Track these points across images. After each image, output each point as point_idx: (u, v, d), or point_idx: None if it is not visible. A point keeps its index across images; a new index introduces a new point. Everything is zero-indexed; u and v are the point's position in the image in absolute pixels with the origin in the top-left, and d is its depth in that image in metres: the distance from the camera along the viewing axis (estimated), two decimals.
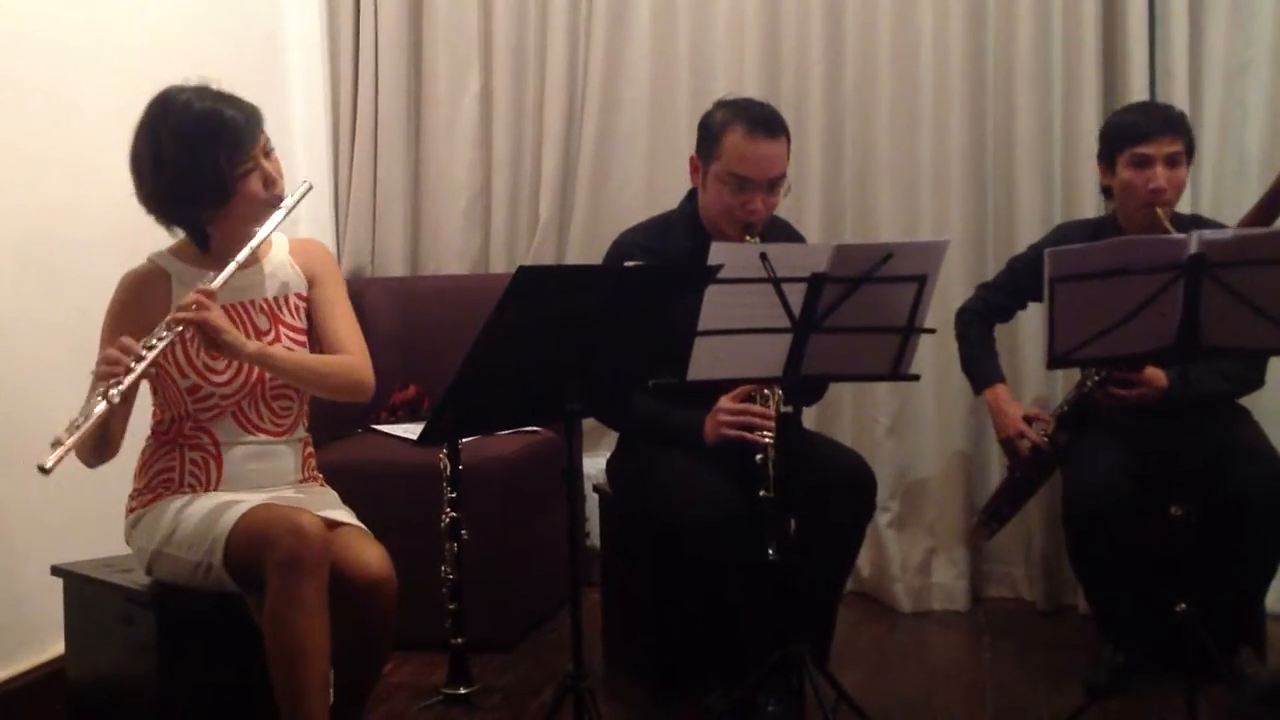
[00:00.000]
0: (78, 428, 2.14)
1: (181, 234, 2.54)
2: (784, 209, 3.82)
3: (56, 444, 2.12)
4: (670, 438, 2.86)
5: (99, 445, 2.34)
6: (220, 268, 2.38)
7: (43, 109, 3.02)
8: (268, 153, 2.47)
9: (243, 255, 2.39)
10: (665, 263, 2.88)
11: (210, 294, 2.32)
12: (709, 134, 2.91)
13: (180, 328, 2.28)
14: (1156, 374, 2.97)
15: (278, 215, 2.46)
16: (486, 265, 4.22)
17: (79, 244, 3.08)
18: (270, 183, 2.47)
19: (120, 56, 3.26)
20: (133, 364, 2.21)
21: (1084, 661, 3.19)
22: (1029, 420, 3.24)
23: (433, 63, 4.21)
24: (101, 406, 2.16)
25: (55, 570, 2.69)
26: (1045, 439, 3.21)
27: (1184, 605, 2.55)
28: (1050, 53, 3.74)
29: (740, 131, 2.84)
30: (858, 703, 2.65)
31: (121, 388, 2.18)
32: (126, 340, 2.26)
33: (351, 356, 2.55)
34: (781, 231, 3.08)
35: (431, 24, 4.19)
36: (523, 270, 2.13)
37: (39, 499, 2.95)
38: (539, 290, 2.16)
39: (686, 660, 2.94)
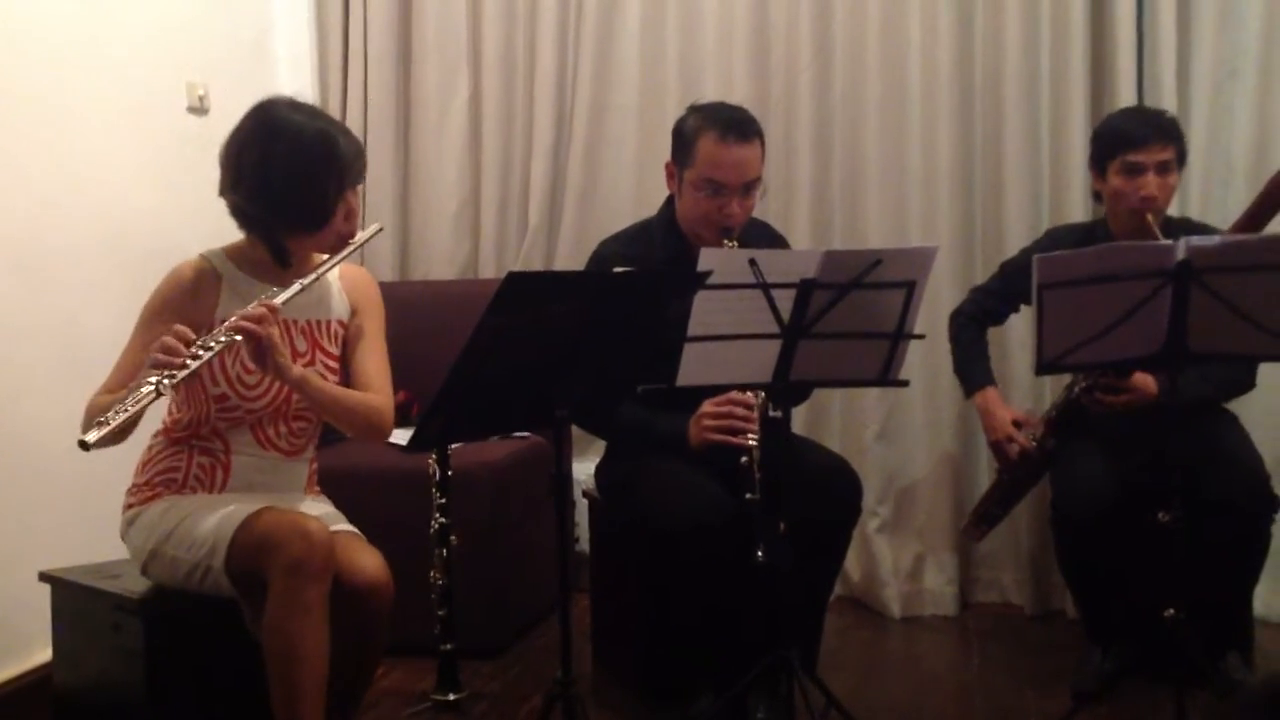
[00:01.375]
0: (125, 410, 2.11)
1: (202, 234, 2.53)
2: (773, 214, 3.86)
3: (101, 424, 2.11)
4: (655, 444, 2.86)
5: (123, 431, 2.26)
6: (277, 283, 2.38)
7: (32, 114, 3.02)
8: (355, 189, 2.49)
9: (309, 280, 2.39)
10: (655, 268, 2.88)
11: (275, 310, 2.31)
12: (682, 140, 2.91)
13: (239, 336, 2.26)
14: (1146, 380, 2.98)
15: (348, 249, 2.48)
16: (475, 270, 4.22)
17: (68, 248, 3.08)
18: (350, 216, 2.48)
19: (110, 62, 3.26)
20: (189, 360, 2.19)
21: (1072, 666, 3.19)
22: (1018, 424, 3.25)
23: (422, 69, 4.21)
24: (151, 395, 2.13)
25: (43, 576, 2.67)
26: (1034, 443, 3.22)
27: (1172, 610, 2.56)
28: (1038, 60, 3.76)
29: (713, 137, 2.84)
30: (847, 708, 2.66)
31: (175, 380, 2.16)
32: (184, 329, 2.23)
33: (380, 399, 2.54)
34: (761, 234, 3.08)
35: (420, 30, 4.20)
36: (512, 275, 2.12)
37: (27, 505, 2.95)
38: (528, 295, 2.16)
39: (676, 666, 2.94)
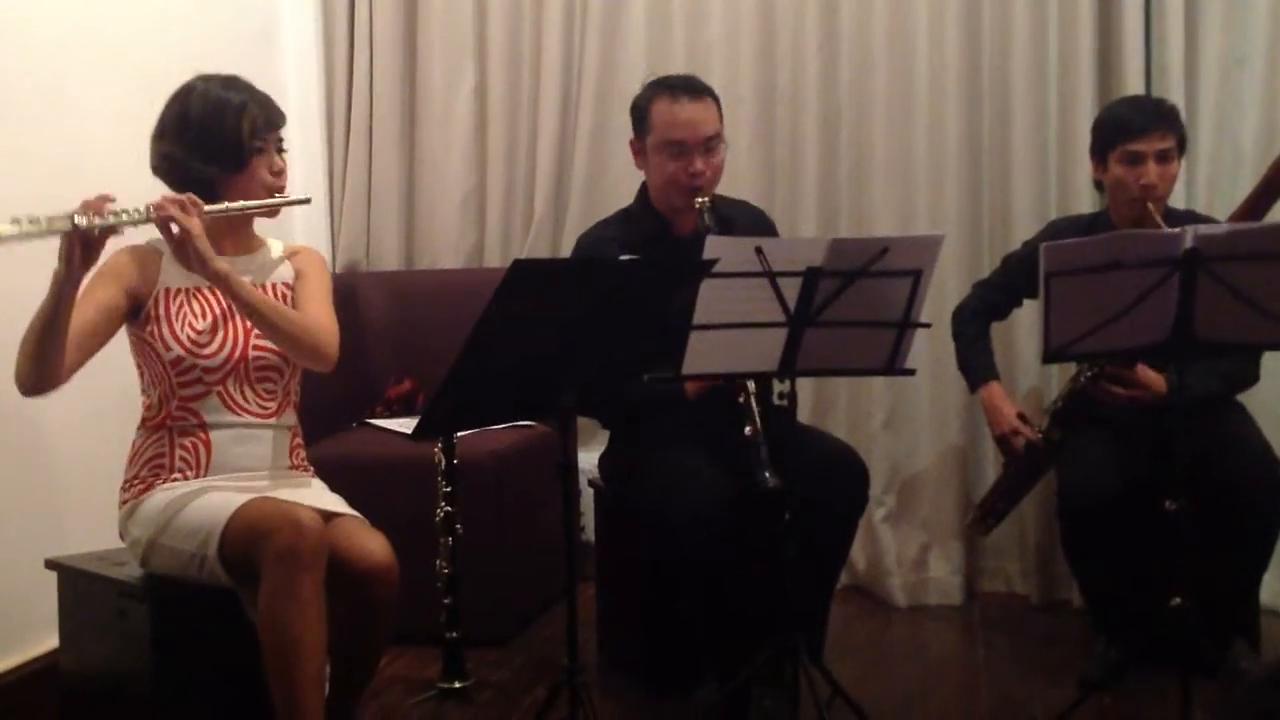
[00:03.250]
0: (36, 221, 2.17)
1: None
2: (779, 203, 3.86)
3: (15, 222, 2.16)
4: (657, 406, 2.85)
5: (41, 342, 2.30)
6: (216, 248, 2.42)
7: (36, 104, 3.01)
8: (280, 150, 2.59)
9: (235, 206, 2.49)
10: (662, 256, 2.88)
11: (195, 201, 2.37)
12: (638, 114, 2.99)
13: (160, 212, 2.32)
14: (1156, 379, 2.97)
15: (272, 200, 2.57)
16: (481, 260, 4.22)
17: None
18: (276, 172, 2.58)
19: (114, 52, 3.25)
20: (109, 216, 2.24)
21: (1078, 656, 3.20)
22: (1023, 418, 3.25)
23: (428, 58, 4.20)
24: (65, 223, 2.19)
25: (49, 564, 2.68)
26: (1039, 435, 3.21)
27: (1178, 599, 2.55)
28: (1046, 48, 3.74)
29: (665, 100, 2.92)
30: (852, 696, 2.66)
31: (90, 220, 2.20)
32: (108, 194, 2.29)
33: (320, 324, 2.57)
34: (744, 214, 3.08)
35: (426, 19, 4.19)
36: (518, 263, 2.12)
37: (33, 492, 2.95)
38: (534, 284, 2.16)
39: (681, 654, 2.94)
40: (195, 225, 2.34)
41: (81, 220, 2.20)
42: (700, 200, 2.86)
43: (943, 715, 3.03)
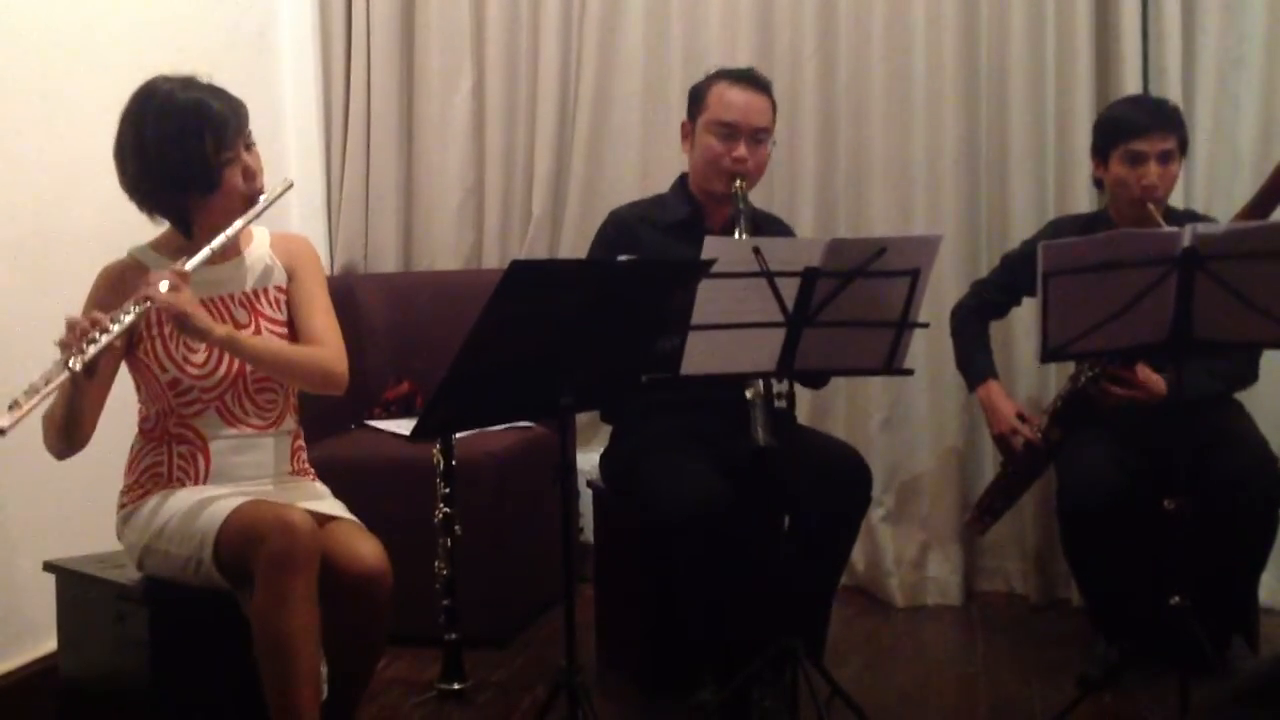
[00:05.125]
0: (36, 391, 2.11)
1: (164, 227, 2.53)
2: (778, 203, 3.86)
3: (14, 406, 2.09)
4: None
5: (67, 427, 2.31)
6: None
7: (32, 105, 3.01)
8: (249, 146, 2.47)
9: (218, 242, 2.37)
10: (659, 257, 2.88)
11: (182, 275, 2.30)
12: (696, 94, 3.06)
13: (148, 304, 2.25)
14: (1156, 380, 2.97)
15: (256, 208, 2.45)
16: (479, 261, 4.22)
17: (69, 240, 3.07)
18: (250, 176, 2.46)
19: (111, 52, 3.25)
20: (99, 335, 2.17)
21: (1077, 655, 3.20)
22: (1022, 417, 3.24)
23: (425, 58, 4.20)
24: (62, 374, 2.12)
25: (48, 566, 2.68)
26: (1039, 435, 3.21)
27: (1177, 599, 2.55)
28: (1043, 48, 3.74)
29: (725, 83, 3.00)
30: (851, 696, 2.66)
31: (84, 358, 2.14)
32: (96, 314, 2.23)
33: (326, 350, 2.53)
34: (774, 226, 3.09)
35: (424, 19, 4.19)
36: (516, 264, 2.12)
37: (32, 495, 2.95)
38: (532, 284, 2.16)
39: (680, 655, 2.94)
40: (185, 301, 2.28)
41: (76, 364, 2.13)
42: (739, 183, 2.90)
43: (942, 715, 3.03)
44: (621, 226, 3.04)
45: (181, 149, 2.37)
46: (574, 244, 4.08)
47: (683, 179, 3.12)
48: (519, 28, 4.15)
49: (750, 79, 3.01)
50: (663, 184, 3.24)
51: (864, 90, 3.87)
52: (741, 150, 2.93)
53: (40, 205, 3.01)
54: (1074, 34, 3.70)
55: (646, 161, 4.06)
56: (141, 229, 2.54)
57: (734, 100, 2.96)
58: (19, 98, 2.97)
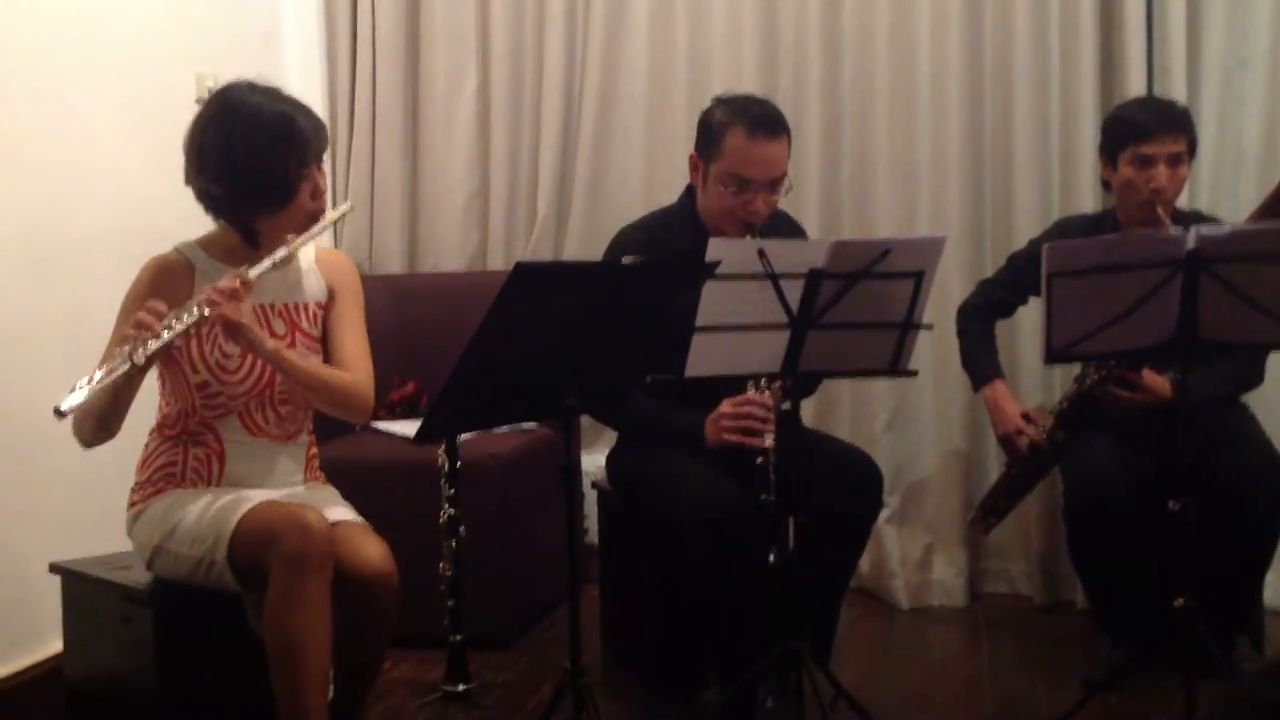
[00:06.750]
0: (99, 379, 2.17)
1: (169, 228, 2.54)
2: (782, 204, 3.84)
3: (74, 390, 2.15)
4: (670, 439, 2.85)
5: (107, 415, 2.32)
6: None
7: (39, 107, 3.01)
8: (319, 165, 2.51)
9: (280, 254, 2.41)
10: (663, 257, 2.87)
11: (248, 283, 2.34)
12: (709, 133, 2.87)
13: (208, 310, 2.28)
14: (1161, 383, 2.97)
15: (318, 225, 2.49)
16: (484, 262, 4.22)
17: (76, 242, 3.08)
18: (318, 195, 2.50)
19: (117, 55, 3.25)
20: (163, 331, 2.23)
21: (1082, 657, 3.19)
22: (1027, 418, 3.24)
23: (430, 59, 4.20)
24: (125, 365, 2.18)
25: (54, 568, 2.69)
26: (1043, 436, 3.21)
27: (1182, 600, 2.55)
28: (1048, 49, 3.74)
29: (742, 133, 2.81)
30: (856, 698, 2.66)
31: (147, 350, 2.19)
32: (158, 304, 2.27)
33: (357, 377, 2.55)
34: (783, 223, 3.07)
35: (429, 21, 4.19)
36: (521, 265, 2.13)
37: (37, 496, 2.96)
38: (537, 285, 2.16)
39: (685, 657, 2.94)
40: (245, 313, 2.32)
41: (139, 356, 2.19)
42: (752, 236, 2.78)
43: (946, 717, 3.03)
44: (628, 255, 2.98)
45: (267, 163, 2.41)
46: (579, 245, 4.08)
47: (690, 195, 3.00)
48: (524, 29, 4.15)
49: (769, 127, 2.82)
50: (665, 185, 3.23)
51: (868, 91, 3.87)
52: (758, 204, 2.82)
53: (45, 206, 3.02)
54: (1078, 34, 3.69)
55: (651, 162, 4.05)
56: (148, 230, 2.56)
57: (753, 155, 2.79)
58: (24, 99, 2.97)
